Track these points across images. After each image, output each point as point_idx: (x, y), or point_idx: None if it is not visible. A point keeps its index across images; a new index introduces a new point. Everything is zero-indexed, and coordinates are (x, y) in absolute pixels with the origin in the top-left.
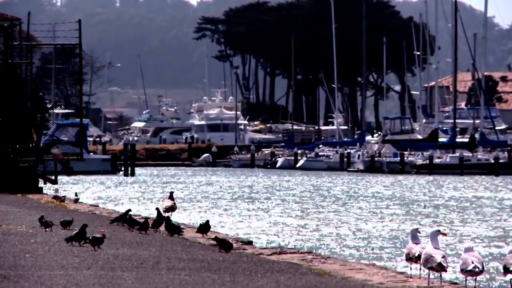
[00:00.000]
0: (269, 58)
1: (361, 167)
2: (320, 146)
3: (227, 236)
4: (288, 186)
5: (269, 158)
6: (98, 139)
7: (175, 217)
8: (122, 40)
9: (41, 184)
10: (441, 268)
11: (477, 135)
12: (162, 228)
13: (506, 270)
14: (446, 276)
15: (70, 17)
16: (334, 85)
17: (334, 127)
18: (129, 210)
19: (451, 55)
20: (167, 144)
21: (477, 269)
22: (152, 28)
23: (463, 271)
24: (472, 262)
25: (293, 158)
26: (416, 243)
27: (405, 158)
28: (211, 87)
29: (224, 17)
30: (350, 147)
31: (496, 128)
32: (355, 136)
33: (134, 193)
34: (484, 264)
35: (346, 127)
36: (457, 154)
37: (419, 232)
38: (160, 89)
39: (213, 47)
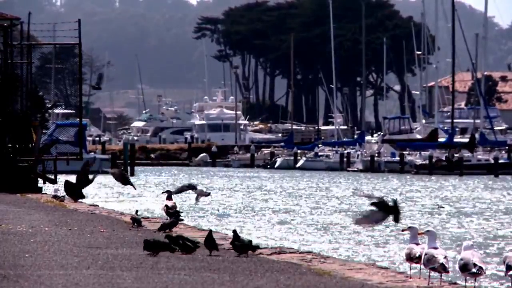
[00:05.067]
0: (269, 58)
1: (360, 167)
2: (320, 146)
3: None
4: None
5: (269, 158)
6: (97, 138)
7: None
8: (121, 40)
9: (40, 183)
10: (443, 269)
11: (477, 135)
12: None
13: (509, 268)
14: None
15: (70, 16)
16: (332, 85)
17: (334, 127)
18: (137, 211)
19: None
20: (167, 144)
21: (481, 272)
22: (152, 28)
23: (465, 272)
24: (475, 264)
25: (292, 158)
26: (416, 244)
27: (404, 158)
28: (211, 87)
29: (223, 16)
30: (350, 147)
31: (496, 128)
32: (355, 136)
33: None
34: (485, 263)
35: (345, 127)
36: (457, 154)
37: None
38: (160, 89)
39: (212, 46)
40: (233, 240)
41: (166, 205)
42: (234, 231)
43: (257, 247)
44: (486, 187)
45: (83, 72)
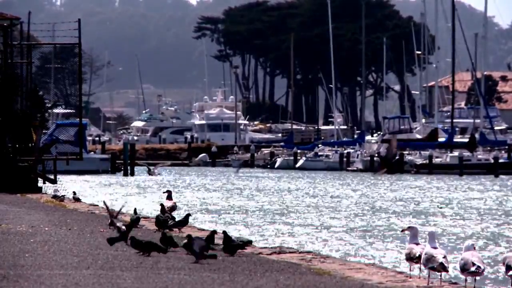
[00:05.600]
0: (269, 58)
1: (360, 166)
2: (320, 145)
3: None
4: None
5: (269, 158)
6: (97, 138)
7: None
8: (121, 40)
9: (40, 183)
10: (442, 268)
11: (477, 135)
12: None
13: (509, 268)
14: (445, 275)
15: (70, 16)
16: (331, 85)
17: (334, 127)
18: (135, 209)
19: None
20: (167, 144)
21: (479, 270)
22: (152, 28)
23: (465, 271)
24: (473, 263)
25: (292, 158)
26: (416, 243)
27: (404, 158)
28: (211, 87)
29: (223, 16)
30: (350, 146)
31: (496, 128)
32: (355, 136)
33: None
34: (484, 263)
35: (345, 127)
36: (457, 154)
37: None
38: (160, 89)
39: (212, 46)
40: (224, 241)
41: (161, 204)
42: (224, 232)
43: (244, 244)
44: (486, 187)
45: (83, 72)
